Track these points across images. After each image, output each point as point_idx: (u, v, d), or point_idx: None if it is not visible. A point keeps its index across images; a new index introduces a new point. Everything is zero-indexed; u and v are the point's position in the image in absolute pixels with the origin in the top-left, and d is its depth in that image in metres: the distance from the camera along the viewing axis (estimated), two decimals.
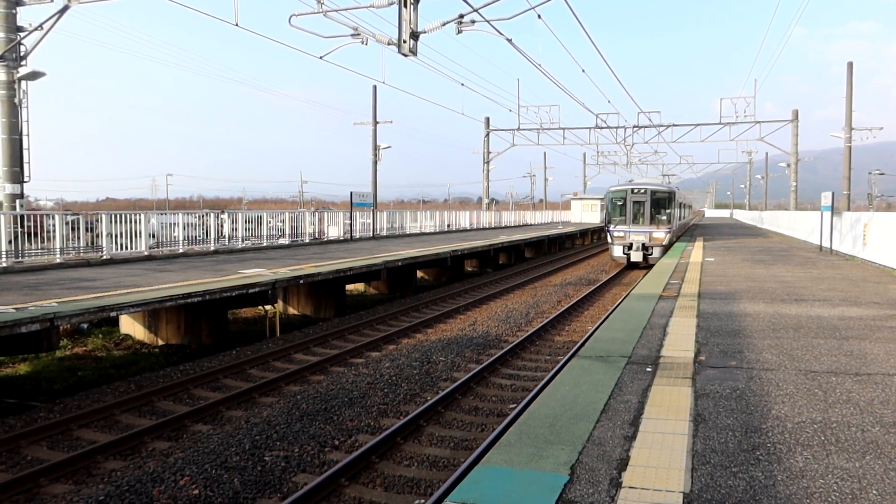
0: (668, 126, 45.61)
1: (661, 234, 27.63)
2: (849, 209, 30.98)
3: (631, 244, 27.96)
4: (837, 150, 36.52)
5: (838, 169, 35.60)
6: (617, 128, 45.60)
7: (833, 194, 24.57)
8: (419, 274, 25.80)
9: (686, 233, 43.40)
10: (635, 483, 4.25)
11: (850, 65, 33.61)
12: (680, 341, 8.51)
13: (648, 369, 7.11)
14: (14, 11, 18.15)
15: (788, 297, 12.42)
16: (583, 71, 26.62)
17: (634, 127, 45.62)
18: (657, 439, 5.02)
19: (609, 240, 29.27)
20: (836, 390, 6.33)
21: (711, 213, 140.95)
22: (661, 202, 28.30)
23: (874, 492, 4.14)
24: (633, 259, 27.90)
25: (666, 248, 27.24)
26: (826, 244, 24.90)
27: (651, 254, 27.48)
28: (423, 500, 6.77)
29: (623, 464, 4.56)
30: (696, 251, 24.91)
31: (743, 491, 4.13)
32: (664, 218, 28.09)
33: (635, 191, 28.27)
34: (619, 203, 28.30)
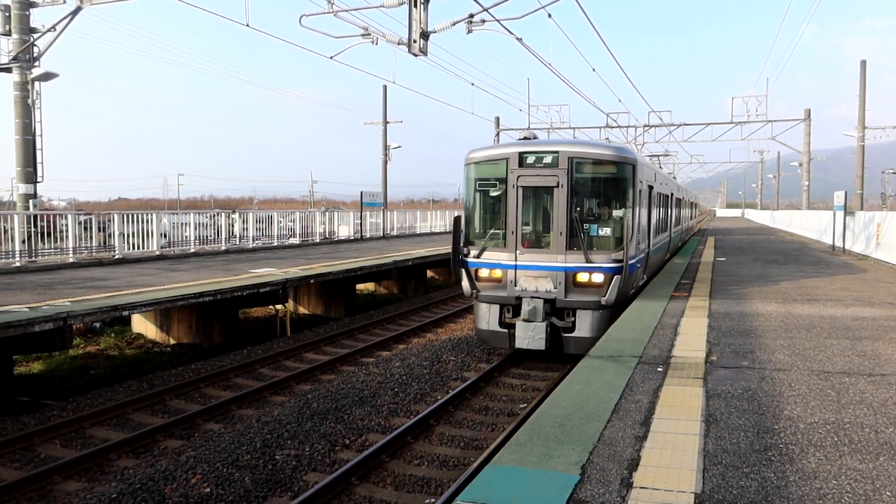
0: (679, 125, 45.36)
1: (597, 276, 11.15)
2: (862, 209, 30.74)
3: (517, 301, 11.45)
4: (850, 148, 36.27)
5: (851, 168, 35.33)
6: (627, 127, 45.39)
7: (846, 194, 24.38)
8: (429, 273, 25.81)
9: (696, 234, 42.81)
10: (646, 483, 4.24)
11: (864, 63, 33.34)
12: (691, 341, 8.47)
13: (660, 369, 7.08)
14: (27, 13, 18.28)
15: (801, 297, 12.34)
16: (593, 70, 26.53)
17: (645, 126, 45.44)
18: (668, 440, 5.01)
19: (465, 287, 12.04)
20: (850, 391, 6.28)
21: (723, 212, 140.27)
22: (598, 188, 12.00)
23: (888, 493, 4.11)
24: (519, 340, 11.14)
25: (618, 309, 11.19)
26: (839, 244, 24.71)
27: (573, 328, 11.31)
28: (433, 500, 6.78)
29: (634, 464, 4.55)
30: (707, 250, 24.78)
31: (755, 492, 4.11)
32: (607, 231, 11.53)
33: (529, 158, 11.54)
34: (493, 193, 12.00)
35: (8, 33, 18.07)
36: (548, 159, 11.39)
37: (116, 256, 18.02)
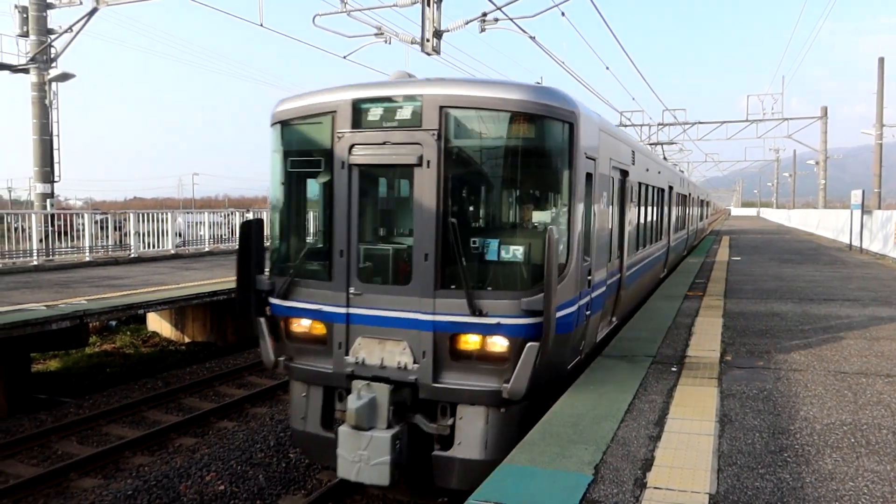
0: (694, 124, 45.06)
1: (496, 340, 5.81)
2: (879, 207, 30.41)
3: (350, 380, 6.03)
4: (868, 147, 35.88)
5: (868, 167, 34.94)
6: (642, 125, 45.19)
7: (863, 192, 24.14)
8: None
9: (710, 234, 42.39)
10: (660, 483, 4.22)
11: (882, 60, 32.95)
12: (706, 341, 8.41)
13: (674, 369, 7.04)
14: (44, 14, 18.48)
15: (817, 297, 12.22)
16: (607, 68, 26.38)
17: (659, 125, 45.19)
18: (682, 440, 4.97)
19: (265, 352, 6.52)
20: (867, 392, 6.21)
21: (738, 211, 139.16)
22: (503, 167, 6.30)
23: None
24: (342, 463, 5.79)
25: (547, 397, 6.09)
26: (856, 243, 24.45)
27: (450, 440, 5.93)
28: (446, 499, 6.77)
29: (648, 464, 4.52)
30: (722, 250, 24.61)
31: (770, 493, 4.07)
32: (517, 253, 6.03)
33: (372, 111, 6.12)
34: (319, 180, 6.58)
35: (25, 35, 18.28)
36: (405, 112, 6.05)
37: (132, 255, 18.17)
